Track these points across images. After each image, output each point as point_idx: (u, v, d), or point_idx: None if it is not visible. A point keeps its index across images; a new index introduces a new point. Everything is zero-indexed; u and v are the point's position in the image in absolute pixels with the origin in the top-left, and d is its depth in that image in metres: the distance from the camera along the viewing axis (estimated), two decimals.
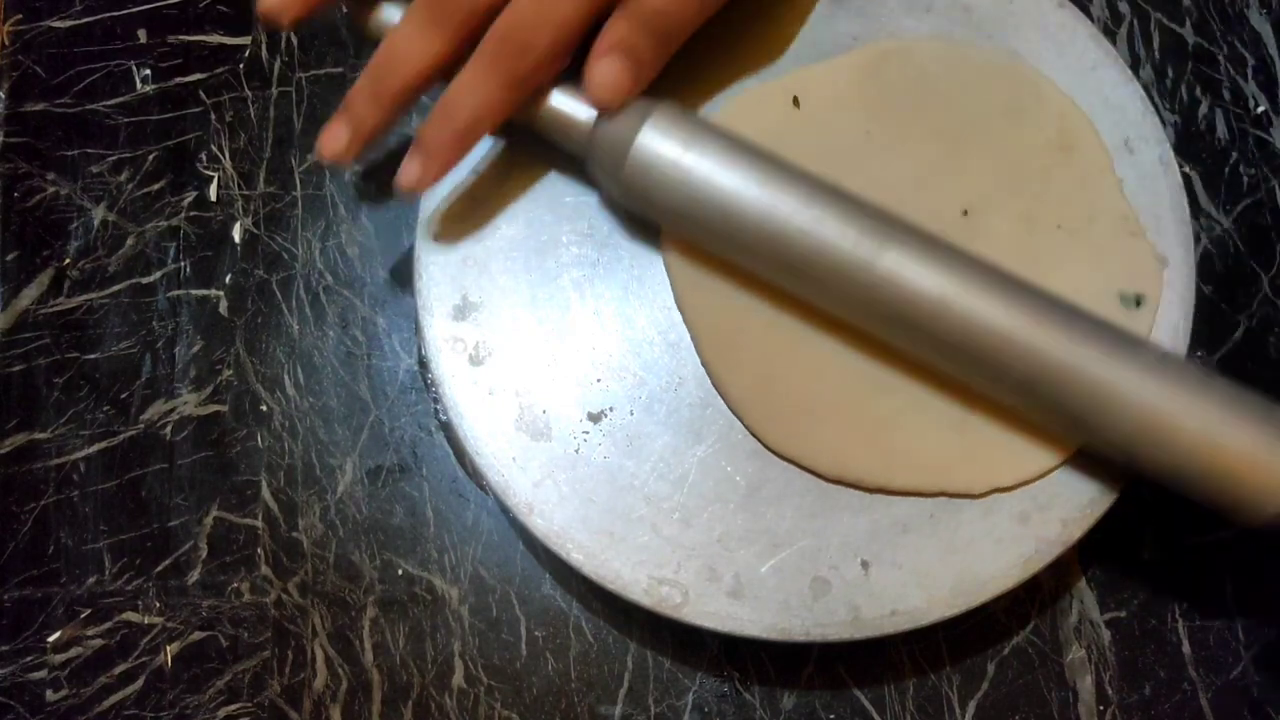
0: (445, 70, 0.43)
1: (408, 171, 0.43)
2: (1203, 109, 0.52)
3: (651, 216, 0.45)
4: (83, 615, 0.47)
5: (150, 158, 0.53)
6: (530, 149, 0.47)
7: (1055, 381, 0.40)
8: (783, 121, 0.48)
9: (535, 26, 0.41)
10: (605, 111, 0.43)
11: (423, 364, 0.49)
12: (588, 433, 0.45)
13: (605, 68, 0.42)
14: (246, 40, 0.54)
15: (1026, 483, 0.44)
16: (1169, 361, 0.41)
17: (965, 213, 0.46)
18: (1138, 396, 0.40)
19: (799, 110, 0.48)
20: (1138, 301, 0.45)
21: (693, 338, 0.46)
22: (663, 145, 0.43)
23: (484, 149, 0.47)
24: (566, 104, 0.44)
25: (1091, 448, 0.43)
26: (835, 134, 0.48)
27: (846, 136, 0.48)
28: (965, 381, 0.43)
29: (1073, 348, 0.40)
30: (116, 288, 0.51)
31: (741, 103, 0.48)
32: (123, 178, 0.52)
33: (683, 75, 0.46)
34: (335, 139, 0.43)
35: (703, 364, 0.46)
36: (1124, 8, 0.53)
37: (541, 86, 0.44)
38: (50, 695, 0.46)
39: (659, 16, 0.42)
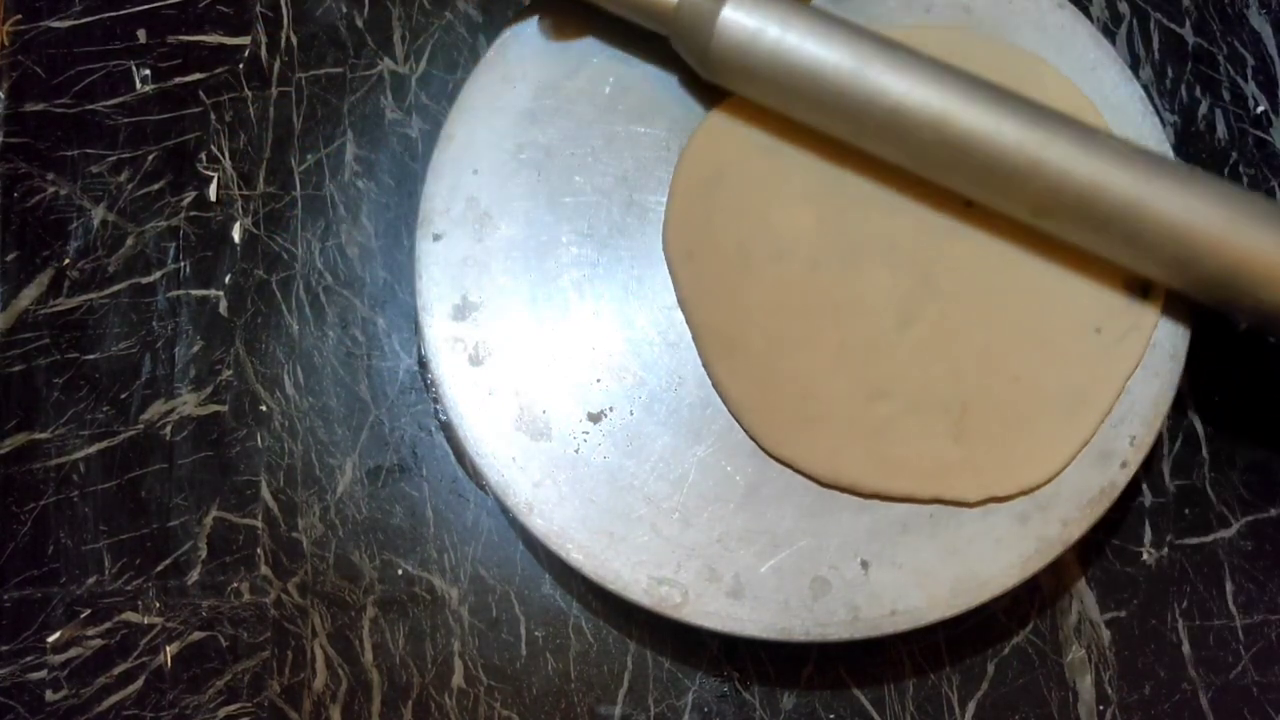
0: None
1: None
2: (1203, 109, 0.52)
3: (737, 88, 0.47)
4: (82, 615, 0.47)
5: (150, 158, 0.53)
6: (531, 142, 0.47)
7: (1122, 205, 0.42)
8: (781, 131, 0.48)
9: None
10: None
11: (422, 364, 0.49)
12: (588, 433, 0.45)
13: None
14: (246, 40, 0.54)
15: (1024, 493, 0.44)
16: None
17: (969, 203, 0.46)
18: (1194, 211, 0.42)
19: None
20: (1145, 291, 0.45)
21: (694, 338, 0.46)
22: (747, 18, 0.44)
23: (486, 147, 0.47)
24: None
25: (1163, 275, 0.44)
26: (833, 144, 0.48)
27: (845, 147, 0.48)
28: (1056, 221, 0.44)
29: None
30: (116, 288, 0.51)
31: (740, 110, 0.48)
32: (122, 178, 0.52)
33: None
34: None
35: (703, 365, 0.46)
36: (1124, 8, 0.53)
37: None
38: (50, 695, 0.46)
39: None
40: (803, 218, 0.47)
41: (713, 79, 0.46)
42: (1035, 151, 0.42)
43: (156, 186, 0.52)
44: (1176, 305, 0.45)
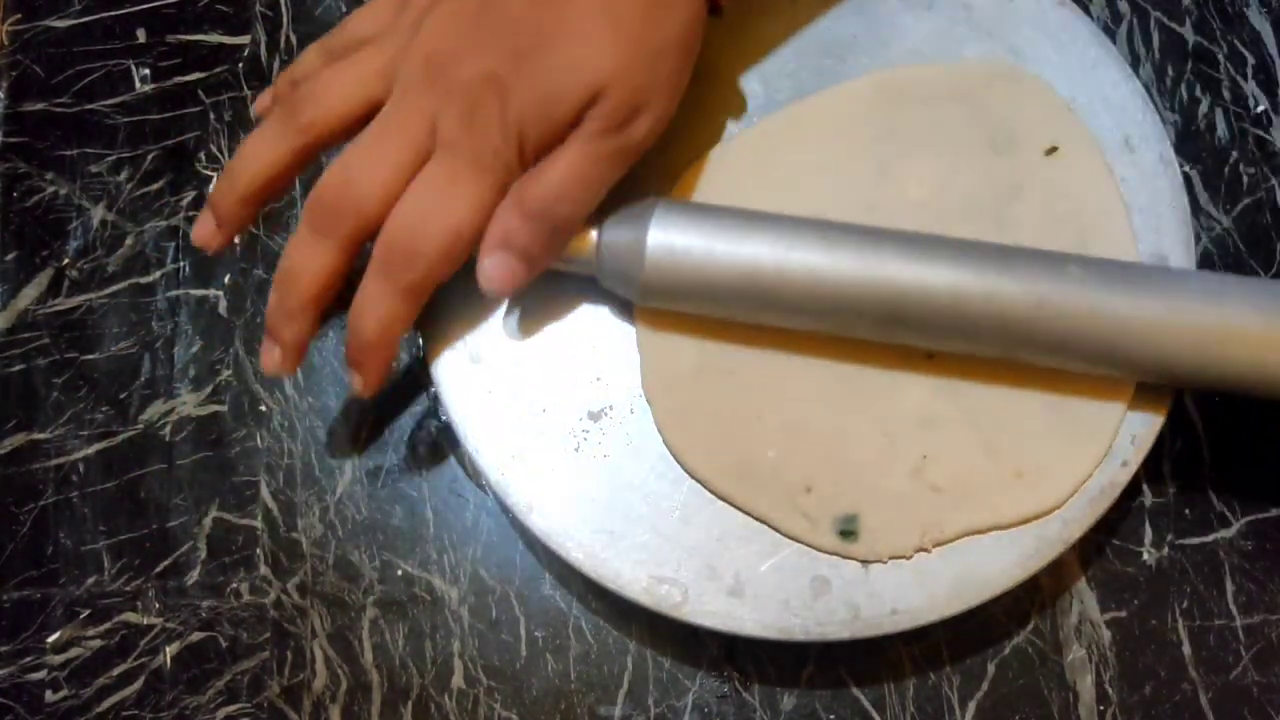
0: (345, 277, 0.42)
1: (352, 381, 0.43)
2: (1203, 108, 0.52)
3: (675, 307, 0.45)
4: (82, 616, 0.47)
5: (149, 157, 0.53)
6: None
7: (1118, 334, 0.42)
8: (788, 153, 0.48)
9: (420, 235, 0.40)
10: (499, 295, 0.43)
11: (422, 363, 0.49)
12: (587, 431, 0.45)
13: (493, 264, 0.41)
14: (246, 40, 0.54)
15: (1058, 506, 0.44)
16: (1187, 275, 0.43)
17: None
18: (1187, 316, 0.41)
19: (803, 141, 0.48)
20: None
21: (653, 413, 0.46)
22: (675, 239, 0.42)
23: None
24: None
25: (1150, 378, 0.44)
26: (836, 164, 0.48)
27: (849, 166, 0.48)
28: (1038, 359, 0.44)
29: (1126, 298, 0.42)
30: (115, 288, 0.51)
31: (744, 139, 0.48)
32: (122, 177, 0.52)
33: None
34: (271, 357, 0.43)
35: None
36: (1124, 6, 0.53)
37: None
38: (50, 696, 0.46)
39: (547, 202, 0.41)
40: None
41: (648, 304, 0.45)
42: (1001, 309, 0.42)
43: (156, 186, 0.52)
44: None
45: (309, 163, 0.43)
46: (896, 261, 0.42)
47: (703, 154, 0.48)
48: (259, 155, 0.42)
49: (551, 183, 0.40)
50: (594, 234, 0.43)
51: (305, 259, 0.42)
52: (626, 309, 0.46)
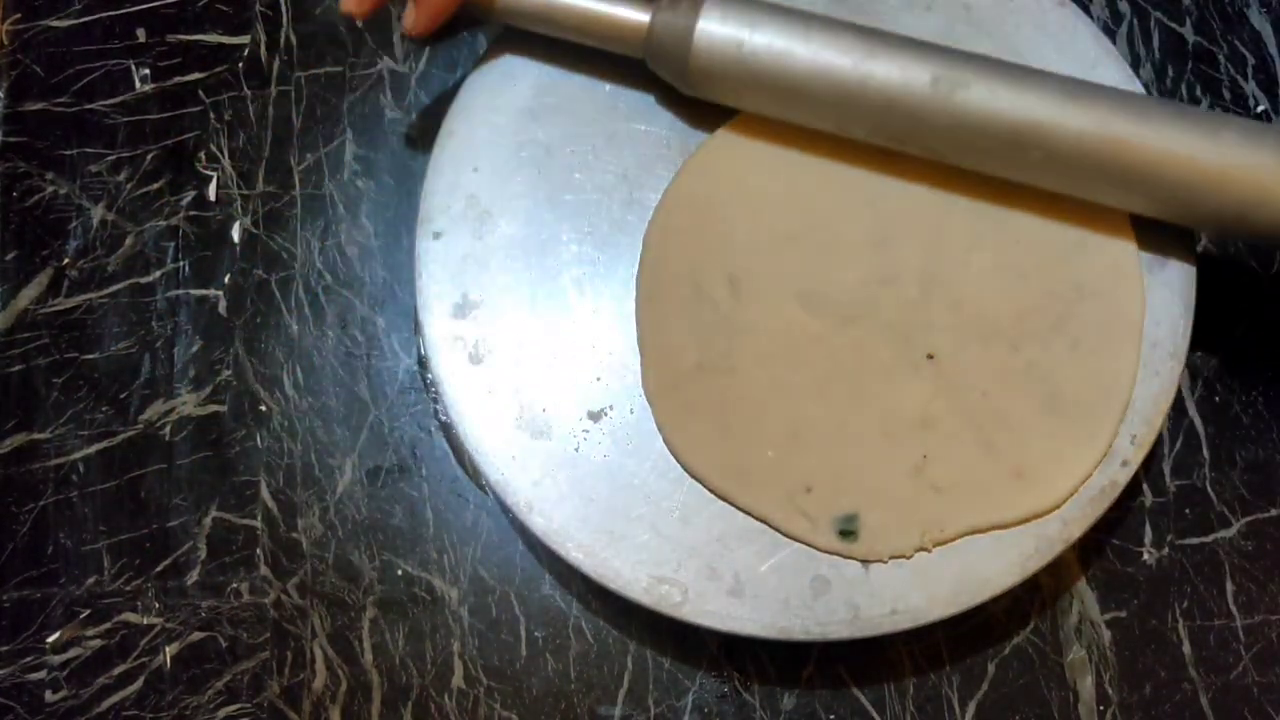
0: None
1: (407, 19, 0.45)
2: (1203, 108, 0.52)
3: (720, 99, 0.47)
4: (82, 616, 0.47)
5: (149, 157, 0.53)
6: (531, 141, 0.48)
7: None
8: (782, 130, 0.48)
9: None
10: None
11: (422, 363, 0.49)
12: (588, 431, 0.45)
13: None
14: (245, 39, 0.54)
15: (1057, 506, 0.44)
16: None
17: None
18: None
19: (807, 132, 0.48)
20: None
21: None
22: (722, 28, 0.44)
23: (486, 145, 0.48)
24: (618, 10, 0.46)
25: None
26: (834, 141, 0.48)
27: (845, 143, 0.48)
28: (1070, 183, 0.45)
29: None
30: (115, 287, 0.51)
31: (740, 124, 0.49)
32: (121, 177, 0.52)
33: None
34: None
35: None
36: (1124, 7, 0.53)
37: None
38: (50, 696, 0.46)
39: None
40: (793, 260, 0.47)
41: (695, 94, 0.47)
42: (1036, 117, 0.43)
43: (156, 186, 0.52)
44: (1175, 304, 0.45)
45: None
46: (925, 71, 0.44)
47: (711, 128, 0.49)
48: None
49: None
50: (646, 18, 0.45)
51: None
52: (627, 309, 0.46)
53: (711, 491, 0.44)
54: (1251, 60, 0.53)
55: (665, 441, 0.45)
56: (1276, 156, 0.42)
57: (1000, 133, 0.43)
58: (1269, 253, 0.50)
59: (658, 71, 0.46)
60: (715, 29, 0.44)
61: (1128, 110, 0.43)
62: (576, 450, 0.45)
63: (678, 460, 0.45)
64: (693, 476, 0.44)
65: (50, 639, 0.47)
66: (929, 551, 0.43)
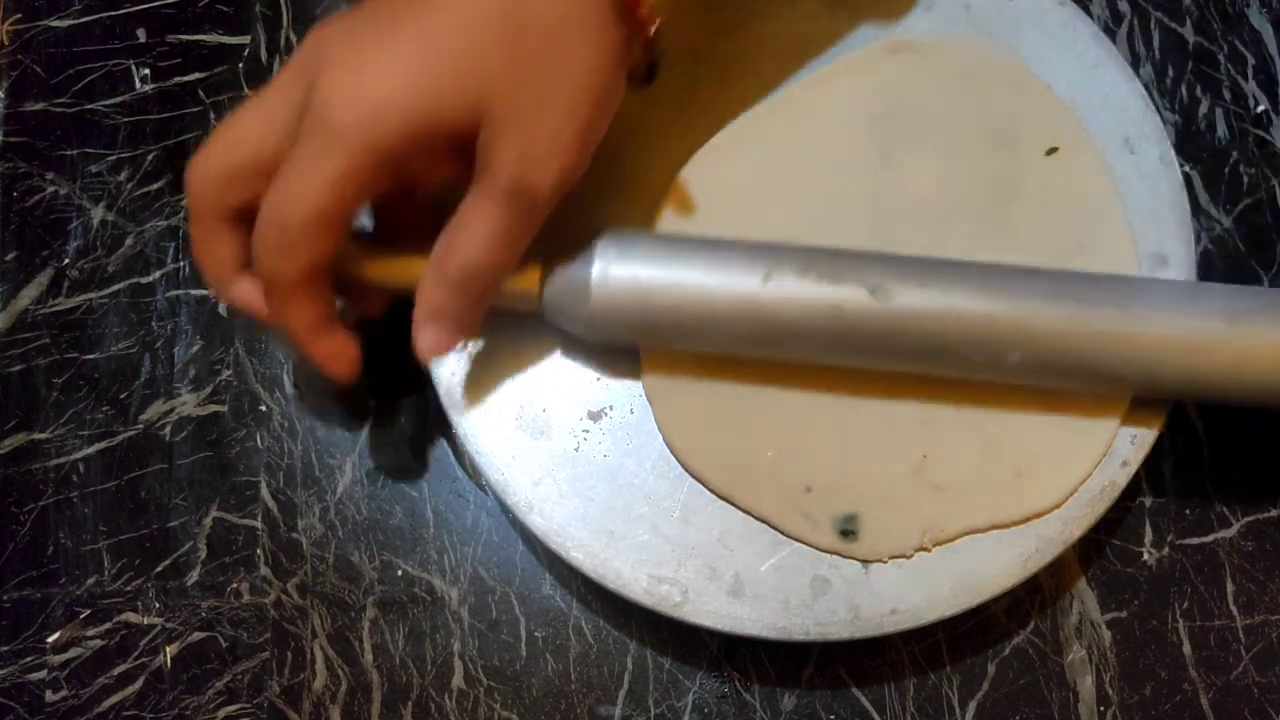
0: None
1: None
2: (1203, 108, 0.52)
3: (625, 342, 0.45)
4: (82, 616, 0.47)
5: (149, 157, 0.53)
6: None
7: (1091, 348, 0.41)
8: (783, 130, 0.48)
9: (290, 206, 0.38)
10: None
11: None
12: (588, 431, 0.45)
13: (427, 338, 0.41)
14: (246, 40, 0.54)
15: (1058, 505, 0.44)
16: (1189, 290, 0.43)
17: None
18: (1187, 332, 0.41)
19: (799, 117, 0.48)
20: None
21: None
22: (621, 272, 0.42)
23: None
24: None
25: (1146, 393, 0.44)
26: (837, 148, 0.48)
27: (851, 150, 0.48)
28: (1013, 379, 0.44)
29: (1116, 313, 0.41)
30: (116, 288, 0.51)
31: (746, 121, 0.48)
32: (122, 177, 0.52)
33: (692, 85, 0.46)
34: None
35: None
36: (1124, 6, 0.53)
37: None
38: (50, 696, 0.46)
39: (468, 278, 0.40)
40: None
41: (597, 341, 0.44)
42: (994, 324, 0.41)
43: (156, 186, 0.52)
44: None
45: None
46: (851, 288, 0.41)
47: (704, 139, 0.48)
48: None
49: (468, 248, 0.39)
50: (538, 276, 0.42)
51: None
52: None
53: (711, 491, 0.44)
54: (1251, 60, 0.53)
55: (665, 441, 0.45)
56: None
57: (933, 346, 0.42)
58: (1269, 252, 0.50)
59: (557, 324, 0.44)
60: (612, 274, 0.42)
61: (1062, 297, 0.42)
62: (576, 450, 0.45)
63: (678, 460, 0.45)
64: (693, 476, 0.44)
65: (50, 639, 0.47)
66: (929, 551, 0.43)
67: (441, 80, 0.37)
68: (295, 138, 0.38)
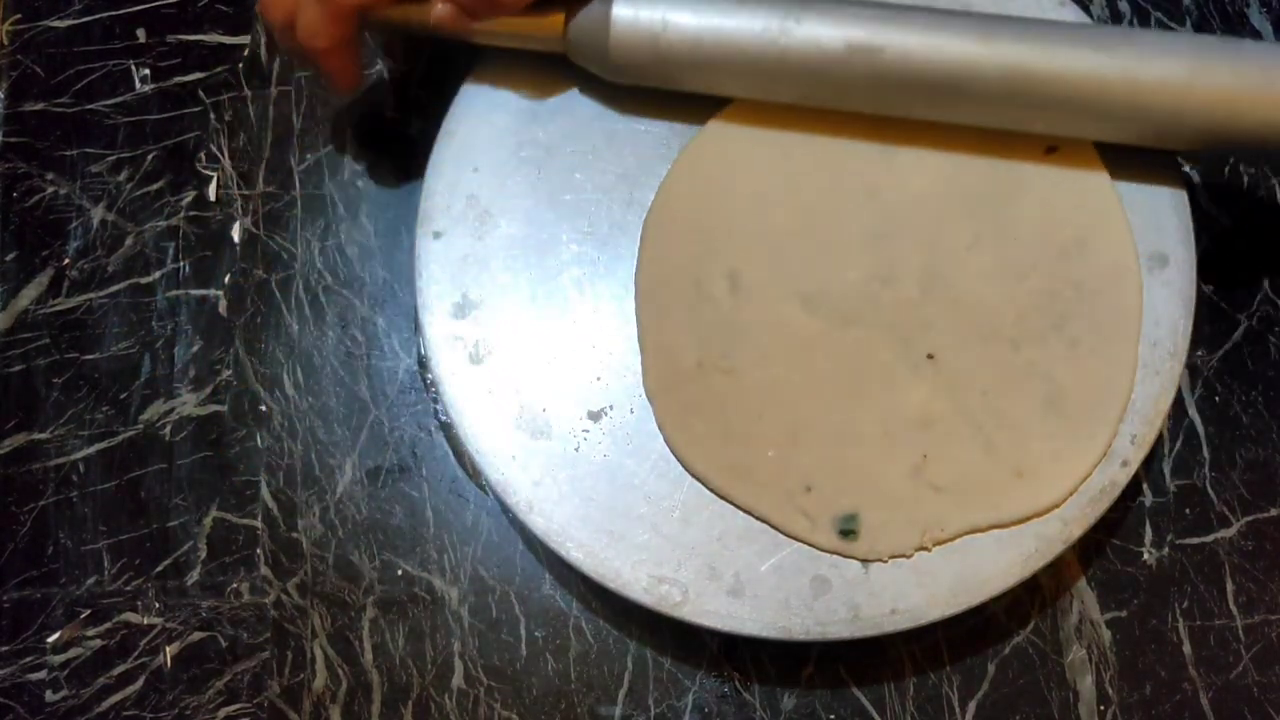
0: None
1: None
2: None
3: (647, 82, 0.47)
4: (82, 616, 0.47)
5: (149, 157, 0.53)
6: (531, 140, 0.48)
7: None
8: (784, 128, 0.48)
9: None
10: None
11: (422, 363, 0.49)
12: (588, 431, 0.45)
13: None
14: (246, 39, 0.54)
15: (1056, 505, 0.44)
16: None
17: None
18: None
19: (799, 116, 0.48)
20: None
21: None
22: (638, 11, 0.45)
23: (486, 144, 0.48)
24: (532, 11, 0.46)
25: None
26: (834, 140, 0.48)
27: (846, 142, 0.48)
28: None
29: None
30: (116, 288, 0.51)
31: (742, 110, 0.48)
32: (122, 177, 0.52)
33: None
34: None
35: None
36: (1124, 7, 0.53)
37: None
38: (50, 696, 0.46)
39: None
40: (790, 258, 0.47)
41: (620, 80, 0.47)
42: (982, 58, 0.44)
43: (156, 186, 0.52)
44: (1175, 304, 0.45)
45: None
46: (849, 28, 0.44)
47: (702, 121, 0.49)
48: None
49: None
50: (562, 16, 0.46)
51: None
52: (627, 308, 0.46)
53: (712, 491, 0.44)
54: None
55: (665, 441, 0.45)
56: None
57: (929, 84, 0.44)
58: (1270, 252, 0.50)
59: (580, 63, 0.47)
60: (630, 12, 0.45)
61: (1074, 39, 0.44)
62: (576, 450, 0.45)
63: (678, 459, 0.45)
64: (693, 476, 0.44)
65: (50, 639, 0.47)
66: (929, 551, 0.43)
67: None
68: None
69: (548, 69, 0.48)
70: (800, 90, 0.46)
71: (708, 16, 0.45)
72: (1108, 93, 0.43)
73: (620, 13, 0.45)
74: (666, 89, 0.47)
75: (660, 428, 0.45)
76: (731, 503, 0.44)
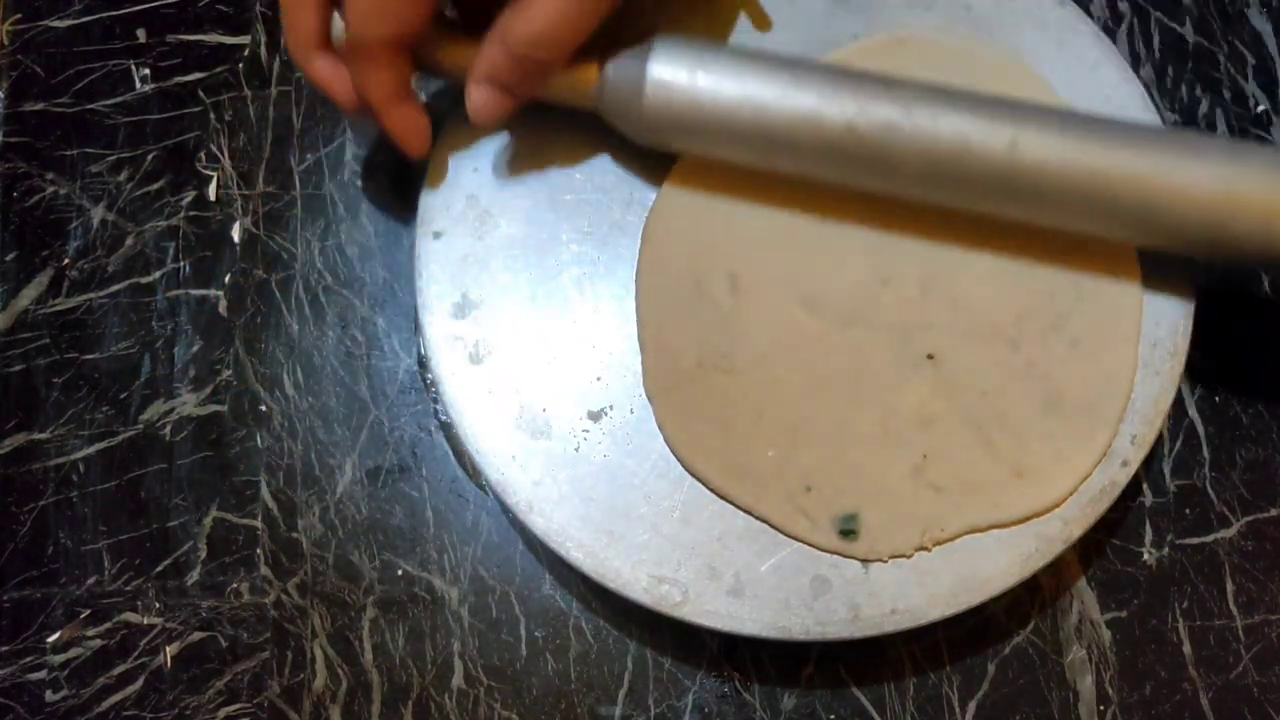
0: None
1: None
2: (1203, 108, 0.52)
3: (674, 146, 0.46)
4: (82, 616, 0.47)
5: (149, 157, 0.53)
6: (531, 140, 0.48)
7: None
8: None
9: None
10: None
11: (422, 363, 0.49)
12: (588, 431, 0.45)
13: (479, 95, 0.43)
14: (246, 39, 0.54)
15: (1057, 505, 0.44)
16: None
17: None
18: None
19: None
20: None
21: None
22: (674, 73, 0.43)
23: (486, 144, 0.48)
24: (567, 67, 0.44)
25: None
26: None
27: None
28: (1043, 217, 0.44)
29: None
30: (116, 288, 0.51)
31: None
32: (122, 177, 0.52)
33: None
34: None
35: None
36: (1124, 6, 0.53)
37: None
38: (50, 696, 0.46)
39: (529, 50, 0.42)
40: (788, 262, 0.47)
41: (651, 143, 0.46)
42: (1004, 147, 0.42)
43: (156, 186, 0.52)
44: (1175, 304, 0.45)
45: None
46: (891, 108, 0.43)
47: None
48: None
49: (535, 22, 0.41)
50: (596, 69, 0.44)
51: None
52: (627, 308, 0.46)
53: (712, 491, 0.44)
54: (1251, 60, 0.53)
55: (666, 441, 0.45)
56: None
57: (963, 171, 0.43)
58: None
59: (611, 123, 0.45)
60: (668, 72, 0.43)
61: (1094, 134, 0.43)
62: (576, 450, 0.45)
63: (678, 459, 0.45)
64: (693, 476, 0.44)
65: (50, 639, 0.47)
66: (929, 551, 0.43)
67: None
68: None
69: None
70: (836, 169, 0.44)
71: (747, 79, 0.43)
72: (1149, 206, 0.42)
73: (656, 72, 0.43)
74: (695, 155, 0.46)
75: (660, 428, 0.45)
76: (732, 503, 0.44)
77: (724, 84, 0.43)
